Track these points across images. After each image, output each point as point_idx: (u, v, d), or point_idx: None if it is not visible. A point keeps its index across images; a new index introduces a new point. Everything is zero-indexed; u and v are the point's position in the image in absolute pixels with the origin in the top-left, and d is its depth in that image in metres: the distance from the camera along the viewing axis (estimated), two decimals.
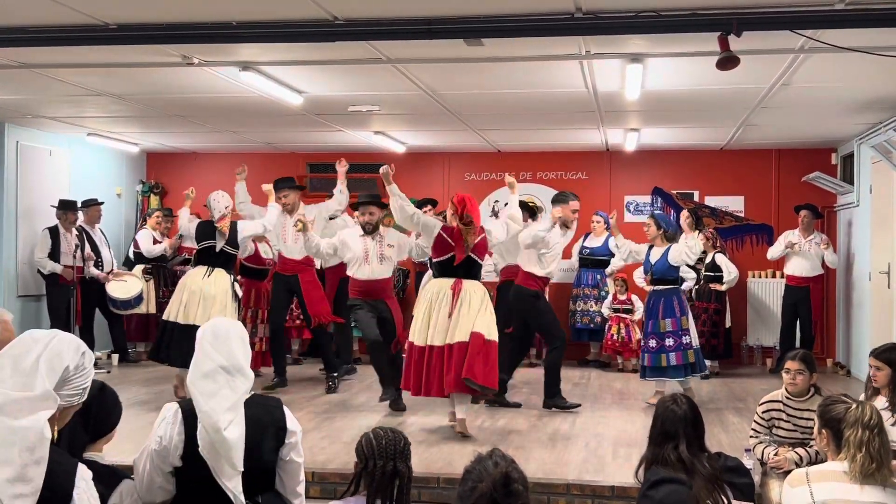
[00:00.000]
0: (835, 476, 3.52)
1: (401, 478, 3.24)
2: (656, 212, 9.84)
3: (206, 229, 8.58)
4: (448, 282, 7.15)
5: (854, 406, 3.64)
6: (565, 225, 8.37)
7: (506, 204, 8.69)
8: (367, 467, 3.23)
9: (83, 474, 2.50)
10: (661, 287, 8.45)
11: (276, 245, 9.27)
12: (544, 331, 8.45)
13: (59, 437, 3.05)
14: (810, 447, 5.13)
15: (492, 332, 7.00)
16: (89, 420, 3.18)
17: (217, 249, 8.50)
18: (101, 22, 5.75)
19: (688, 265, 9.96)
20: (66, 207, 10.29)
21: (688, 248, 8.30)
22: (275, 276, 9.25)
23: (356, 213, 8.44)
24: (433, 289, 7.20)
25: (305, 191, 9.67)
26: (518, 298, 8.35)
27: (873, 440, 3.49)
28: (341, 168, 9.07)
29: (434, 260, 7.43)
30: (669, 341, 8.29)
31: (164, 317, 8.44)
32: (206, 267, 8.48)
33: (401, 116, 9.56)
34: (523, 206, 9.73)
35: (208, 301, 8.26)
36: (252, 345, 9.32)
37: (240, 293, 8.79)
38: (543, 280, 8.41)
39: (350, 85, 7.87)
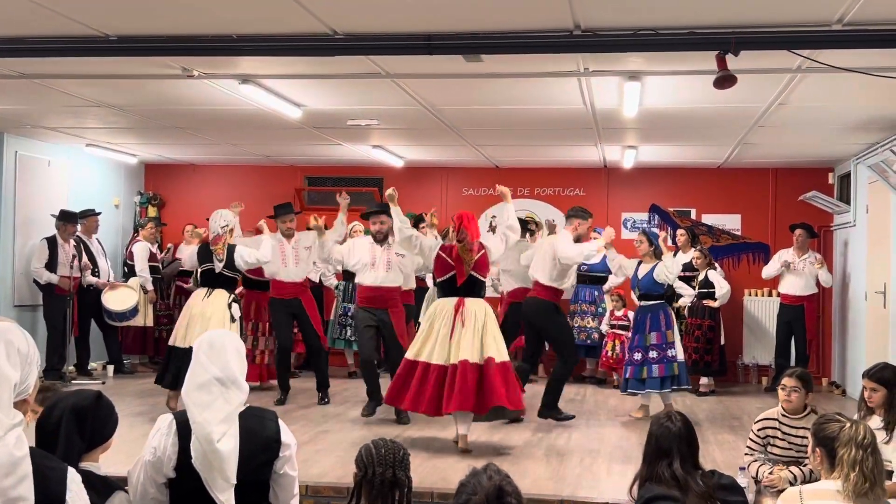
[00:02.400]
0: (828, 495, 3.52)
1: (400, 487, 3.23)
2: (651, 228, 9.91)
3: (206, 251, 8.49)
4: (451, 301, 7.11)
5: (848, 425, 3.64)
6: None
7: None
8: (366, 475, 3.22)
9: (73, 478, 2.49)
10: (647, 302, 8.57)
11: (273, 273, 9.09)
12: (560, 344, 8.31)
13: (55, 447, 3.05)
14: (804, 466, 5.13)
15: (502, 353, 7.00)
16: (85, 429, 3.18)
17: (217, 271, 8.41)
18: (102, 33, 5.77)
19: (685, 282, 10.04)
20: (66, 219, 10.30)
21: (665, 269, 8.35)
22: (272, 301, 9.18)
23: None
24: (436, 308, 7.20)
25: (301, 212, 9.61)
26: (537, 310, 8.18)
27: (867, 459, 3.49)
28: (343, 201, 8.92)
29: (437, 280, 7.41)
30: (653, 354, 8.40)
31: (171, 342, 8.30)
32: (206, 289, 8.39)
33: (399, 131, 9.59)
34: (521, 223, 9.84)
35: (205, 321, 8.13)
36: (252, 357, 9.42)
37: (237, 314, 8.49)
38: (561, 293, 8.40)
39: (349, 99, 7.90)
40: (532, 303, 8.25)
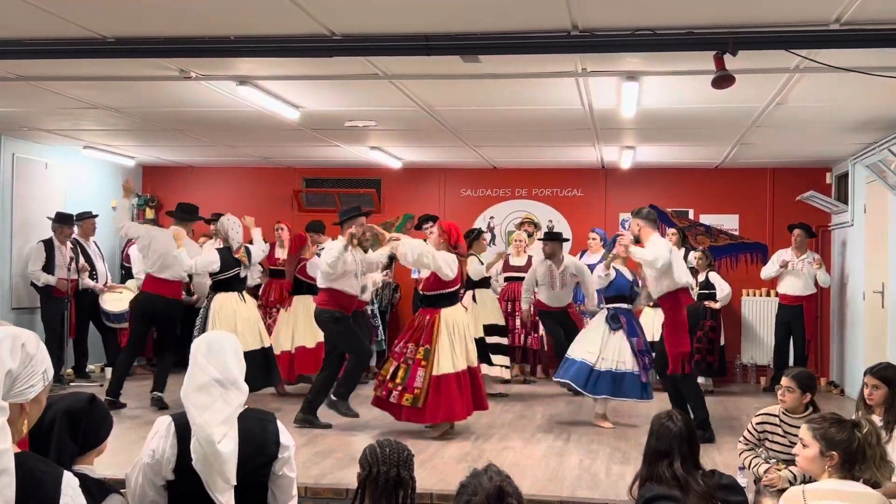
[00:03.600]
0: (832, 495, 3.51)
1: (404, 486, 3.23)
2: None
3: (231, 257, 8.58)
4: (460, 309, 7.63)
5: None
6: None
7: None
8: (370, 474, 3.22)
9: (69, 482, 2.47)
10: (623, 305, 8.35)
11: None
12: None
13: (48, 450, 3.04)
14: None
15: None
16: (78, 432, 3.17)
17: (242, 275, 8.66)
18: (99, 35, 5.76)
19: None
20: (62, 221, 10.28)
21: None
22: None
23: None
24: (455, 317, 7.49)
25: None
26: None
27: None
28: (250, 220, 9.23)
29: (448, 290, 7.54)
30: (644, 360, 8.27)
31: None
32: (236, 293, 8.58)
33: (397, 132, 9.59)
34: (553, 234, 10.09)
35: (254, 325, 8.58)
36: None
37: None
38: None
39: (347, 100, 7.89)
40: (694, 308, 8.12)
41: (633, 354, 8.12)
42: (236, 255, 8.56)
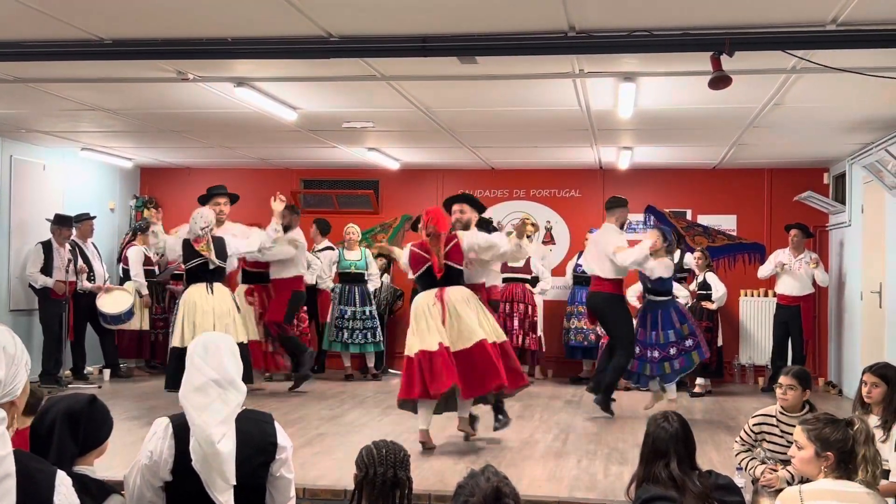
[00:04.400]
0: (829, 495, 3.52)
1: (401, 487, 3.24)
2: (649, 228, 10.00)
3: (191, 248, 8.41)
4: (431, 293, 7.12)
5: (857, 424, 3.68)
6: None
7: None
8: (367, 475, 3.23)
9: (63, 481, 2.47)
10: (658, 298, 8.63)
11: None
12: (617, 336, 8.66)
13: (48, 451, 3.04)
14: None
15: (498, 333, 7.20)
16: (78, 433, 3.17)
17: (211, 266, 8.41)
18: (97, 37, 5.77)
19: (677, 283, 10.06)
20: (60, 222, 10.27)
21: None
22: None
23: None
24: (420, 301, 7.16)
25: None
26: (603, 303, 8.60)
27: (876, 452, 3.63)
28: (277, 206, 9.06)
29: (415, 275, 7.36)
30: (672, 350, 8.47)
31: (177, 344, 8.09)
32: (204, 284, 8.33)
33: (395, 133, 9.59)
34: (484, 222, 9.98)
35: (221, 319, 8.18)
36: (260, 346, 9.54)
37: (241, 305, 8.79)
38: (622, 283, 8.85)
39: (344, 101, 7.90)
40: (596, 296, 8.49)
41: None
42: (196, 247, 8.35)
